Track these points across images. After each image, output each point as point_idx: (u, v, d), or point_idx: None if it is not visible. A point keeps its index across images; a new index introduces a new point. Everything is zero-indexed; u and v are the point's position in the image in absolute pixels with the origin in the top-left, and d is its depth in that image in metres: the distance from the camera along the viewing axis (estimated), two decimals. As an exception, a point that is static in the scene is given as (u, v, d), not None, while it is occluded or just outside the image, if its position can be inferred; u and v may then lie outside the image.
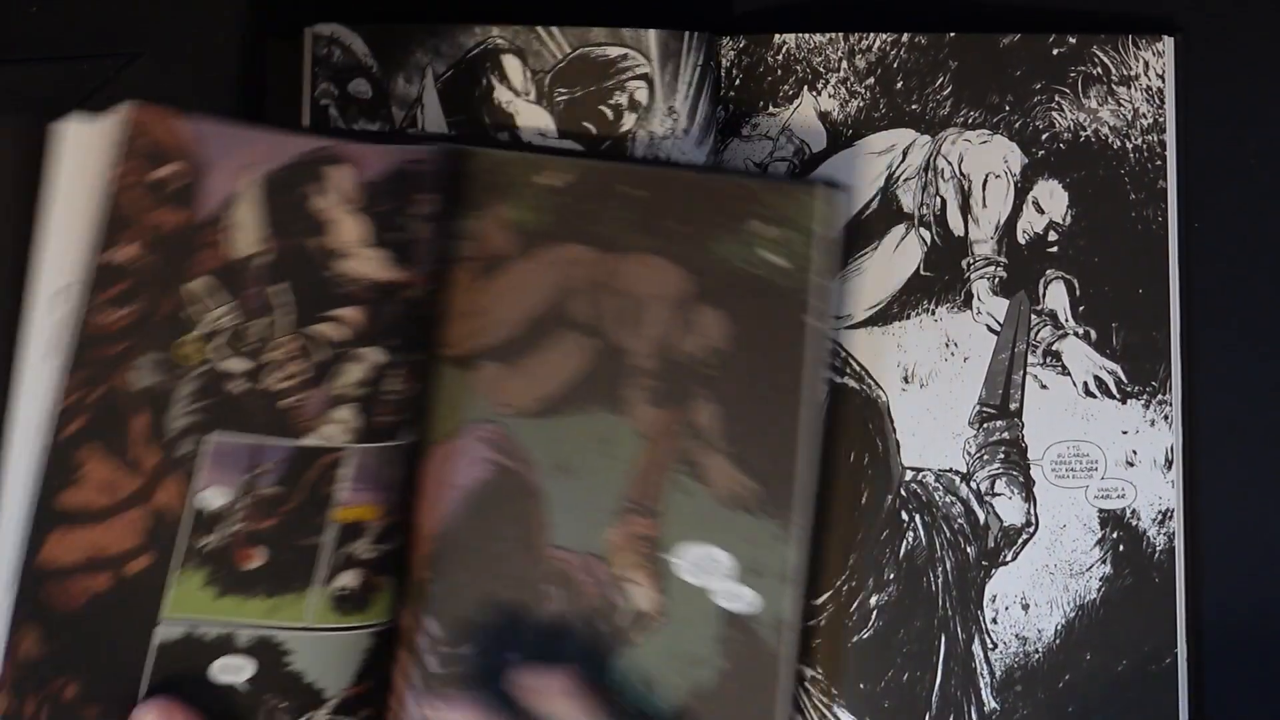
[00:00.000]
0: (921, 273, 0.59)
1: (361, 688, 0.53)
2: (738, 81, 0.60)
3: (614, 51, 0.58)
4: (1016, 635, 0.59)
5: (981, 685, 0.59)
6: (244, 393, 0.51)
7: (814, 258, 0.55)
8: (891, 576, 0.59)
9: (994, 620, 0.59)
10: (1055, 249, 0.59)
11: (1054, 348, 0.59)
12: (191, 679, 0.51)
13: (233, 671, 0.51)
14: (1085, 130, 0.59)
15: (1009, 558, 0.59)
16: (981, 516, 0.59)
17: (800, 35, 0.59)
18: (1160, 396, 0.59)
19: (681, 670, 0.55)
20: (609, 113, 0.58)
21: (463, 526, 0.55)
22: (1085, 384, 0.59)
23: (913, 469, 0.59)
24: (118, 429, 0.50)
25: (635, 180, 0.56)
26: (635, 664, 0.55)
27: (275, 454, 0.51)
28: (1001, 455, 0.59)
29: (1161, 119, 0.59)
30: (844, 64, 0.59)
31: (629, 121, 0.58)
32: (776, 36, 0.59)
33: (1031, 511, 0.59)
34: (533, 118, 0.59)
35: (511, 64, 0.58)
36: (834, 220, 0.56)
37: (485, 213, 0.56)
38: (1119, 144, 0.59)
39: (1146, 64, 0.59)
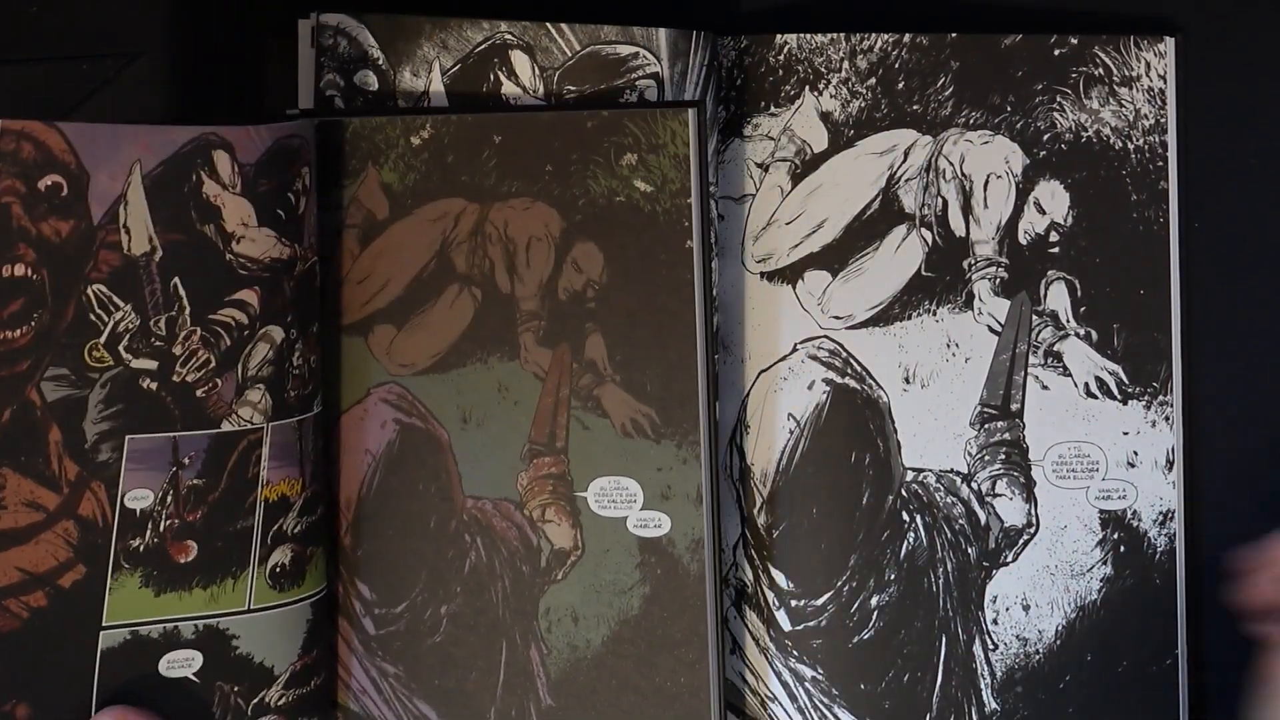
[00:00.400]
0: (923, 273, 0.59)
1: (309, 658, 0.55)
2: (739, 81, 0.59)
3: (625, 50, 0.58)
4: (1017, 636, 0.59)
5: (982, 686, 0.59)
6: (157, 389, 0.51)
7: (687, 181, 0.56)
8: (892, 577, 0.59)
9: (995, 621, 0.59)
10: (1056, 250, 0.59)
11: (1055, 348, 0.59)
12: (142, 680, 0.52)
13: (181, 665, 0.52)
14: (1087, 131, 0.59)
15: (1010, 558, 0.59)
16: (982, 517, 0.59)
17: (802, 35, 0.59)
18: (1161, 397, 0.59)
19: (607, 601, 0.56)
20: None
21: (380, 489, 0.57)
22: (1086, 385, 0.59)
23: (914, 469, 0.59)
24: (35, 446, 0.50)
25: (498, 127, 0.56)
26: (561, 600, 0.56)
27: (195, 445, 0.52)
28: (1002, 456, 0.59)
29: (1163, 120, 0.59)
30: (846, 64, 0.59)
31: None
32: (778, 36, 0.59)
33: (1032, 512, 0.59)
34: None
35: (520, 60, 0.58)
36: (702, 140, 0.56)
37: (364, 179, 0.57)
38: (1120, 145, 0.59)
39: (1148, 65, 0.59)
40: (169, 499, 0.51)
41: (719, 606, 0.56)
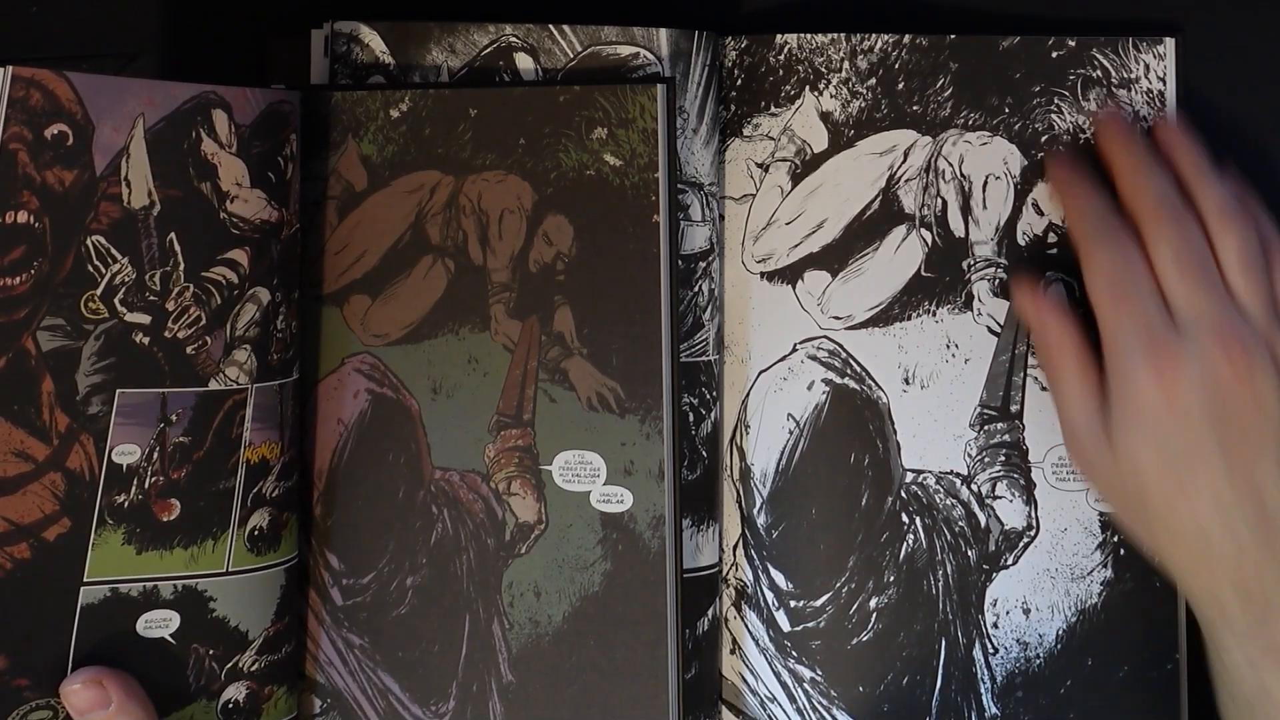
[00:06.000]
0: (922, 274, 0.59)
1: (281, 624, 0.55)
2: (739, 81, 0.60)
3: (625, 50, 0.58)
4: (1018, 640, 0.59)
5: (982, 690, 0.59)
6: (149, 344, 0.51)
7: (656, 156, 0.56)
8: (891, 579, 0.59)
9: (995, 625, 0.59)
10: (1055, 250, 0.59)
11: (1055, 350, 0.59)
12: (119, 638, 0.52)
13: (159, 626, 0.52)
14: (1085, 133, 0.59)
15: (1010, 561, 0.59)
16: (982, 519, 0.59)
17: (802, 35, 0.59)
18: (1161, 399, 0.59)
19: (569, 576, 0.56)
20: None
21: (350, 459, 0.58)
22: (1086, 386, 0.59)
23: (913, 471, 0.59)
24: (27, 395, 0.50)
25: (474, 101, 0.57)
26: (524, 575, 0.57)
27: (183, 402, 0.52)
28: (1003, 458, 0.59)
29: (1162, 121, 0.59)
30: (846, 64, 0.59)
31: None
32: (779, 36, 0.59)
33: (1033, 515, 0.59)
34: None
35: (524, 62, 0.59)
36: (671, 116, 0.56)
37: (344, 151, 0.58)
38: (1119, 146, 0.59)
39: (1147, 66, 0.59)
40: (155, 456, 0.52)
41: (678, 586, 0.56)
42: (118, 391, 0.51)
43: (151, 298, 0.51)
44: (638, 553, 0.56)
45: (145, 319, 0.51)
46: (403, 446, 0.57)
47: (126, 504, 0.51)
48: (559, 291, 0.56)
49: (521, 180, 0.57)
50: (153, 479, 0.52)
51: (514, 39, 0.59)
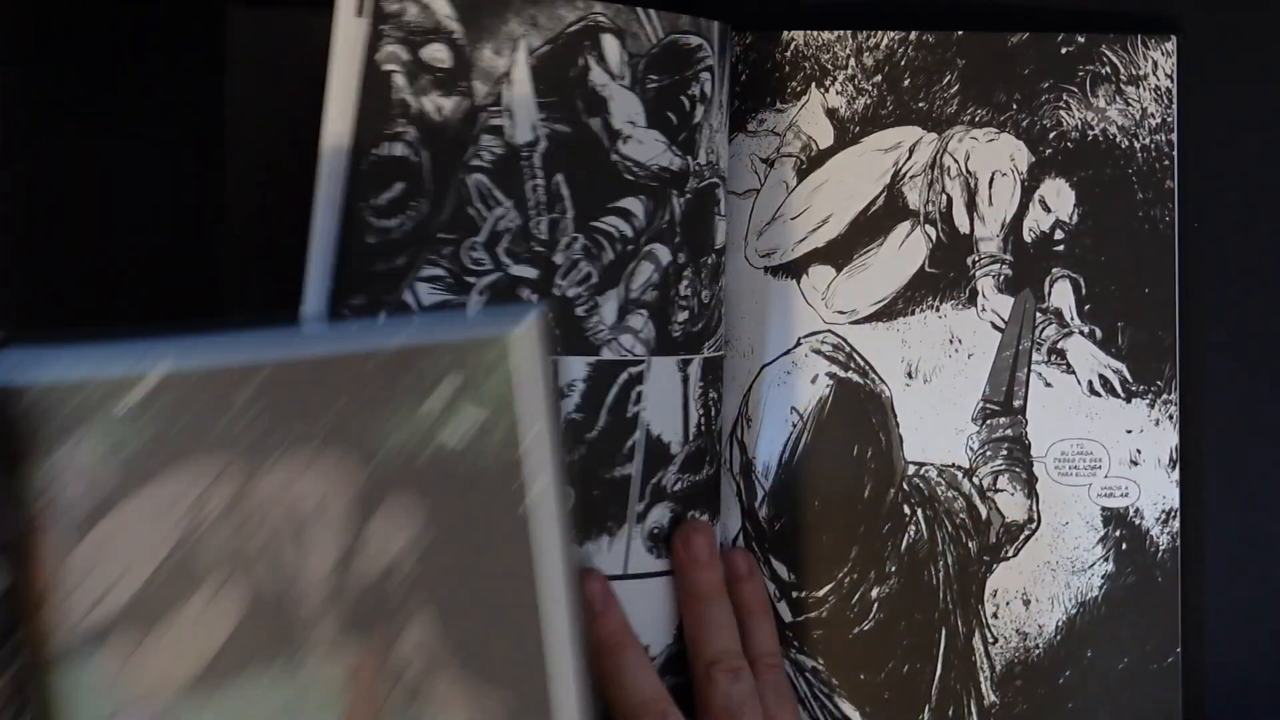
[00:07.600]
0: (926, 269, 0.59)
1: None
2: (744, 77, 0.60)
3: (694, 41, 0.54)
4: (1017, 630, 0.59)
5: (981, 679, 0.59)
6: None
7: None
8: (893, 569, 0.59)
9: (995, 615, 0.59)
10: (1061, 247, 0.59)
11: (1059, 346, 0.59)
12: None
13: None
14: (1093, 129, 0.59)
15: (1010, 553, 0.59)
16: (983, 512, 0.59)
17: (808, 32, 0.59)
18: (1165, 396, 0.59)
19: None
20: (686, 104, 0.54)
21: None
22: (1090, 382, 0.59)
23: (915, 463, 0.60)
24: None
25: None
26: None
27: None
28: (1004, 451, 0.59)
29: (1169, 119, 0.59)
30: (852, 61, 0.59)
31: (699, 114, 0.54)
32: (785, 33, 0.59)
33: (1034, 508, 0.59)
34: (625, 104, 0.53)
35: (610, 44, 0.53)
36: (542, 360, 0.42)
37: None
38: (1126, 143, 0.59)
39: (1155, 63, 0.59)
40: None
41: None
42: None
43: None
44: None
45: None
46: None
47: None
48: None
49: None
50: None
51: (602, 19, 0.53)
